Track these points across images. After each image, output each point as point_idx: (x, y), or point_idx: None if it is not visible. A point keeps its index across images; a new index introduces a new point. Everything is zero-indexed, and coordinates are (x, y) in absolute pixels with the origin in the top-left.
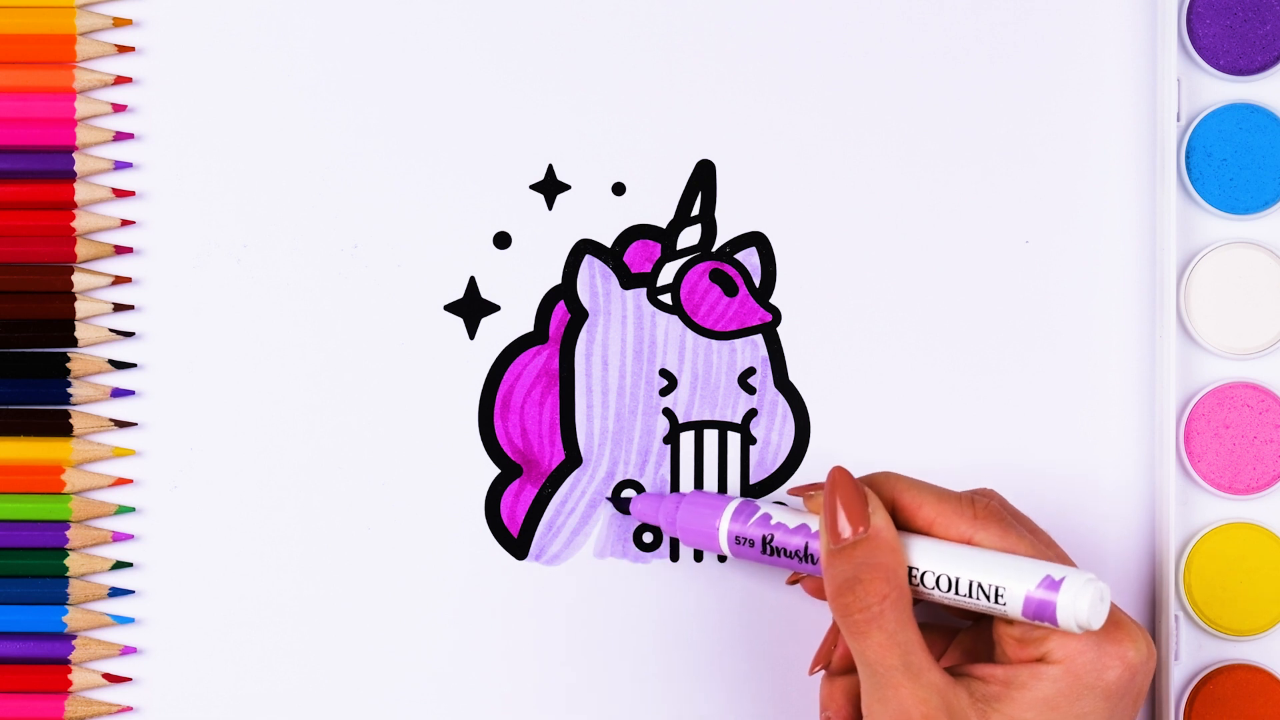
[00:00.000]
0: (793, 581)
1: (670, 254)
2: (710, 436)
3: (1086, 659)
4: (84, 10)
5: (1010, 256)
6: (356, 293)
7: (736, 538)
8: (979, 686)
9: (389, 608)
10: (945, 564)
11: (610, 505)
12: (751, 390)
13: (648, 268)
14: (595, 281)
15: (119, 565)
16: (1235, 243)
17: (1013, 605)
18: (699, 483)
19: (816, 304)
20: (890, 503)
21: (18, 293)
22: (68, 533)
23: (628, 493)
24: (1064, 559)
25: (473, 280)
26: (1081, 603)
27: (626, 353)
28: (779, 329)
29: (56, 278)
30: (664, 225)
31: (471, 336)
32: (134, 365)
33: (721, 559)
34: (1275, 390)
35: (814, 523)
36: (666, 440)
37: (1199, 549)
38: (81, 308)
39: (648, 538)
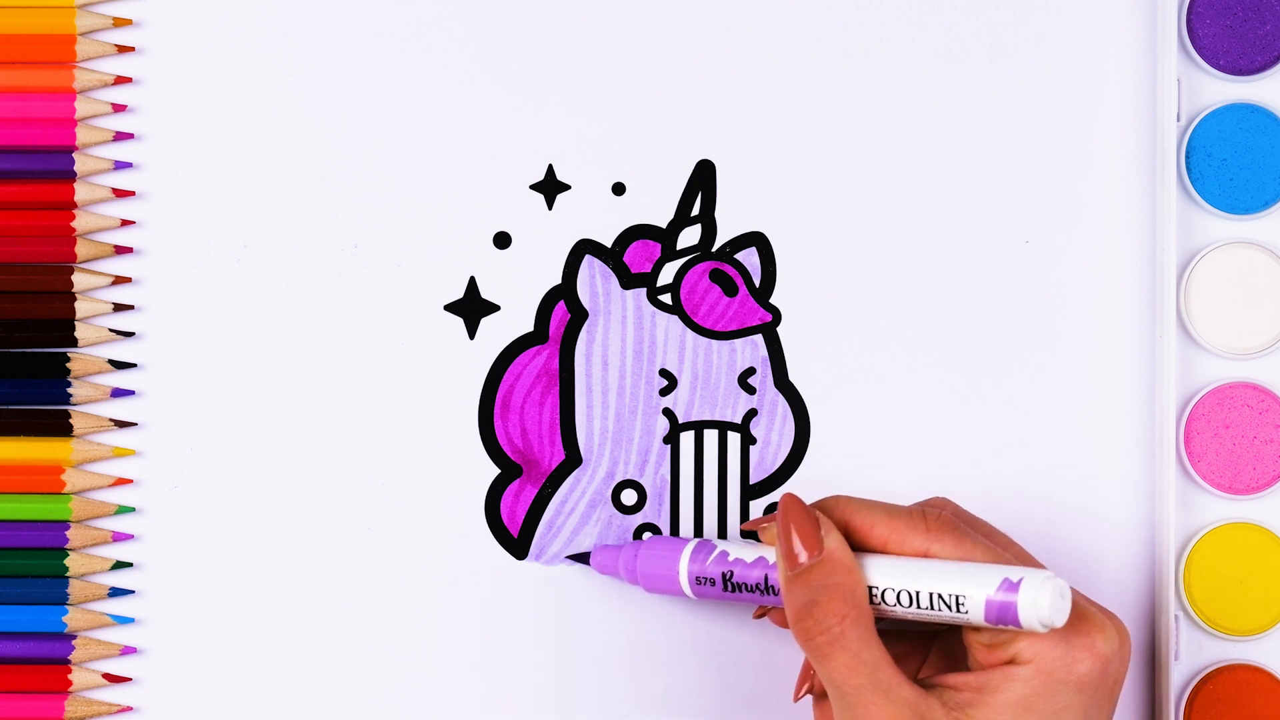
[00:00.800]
0: (759, 615)
1: (670, 254)
2: (710, 436)
3: (1055, 655)
4: (84, 10)
5: (1010, 256)
6: (356, 293)
7: (697, 578)
8: (951, 695)
9: (389, 608)
10: (903, 579)
11: (610, 505)
12: (751, 390)
13: (648, 268)
14: (595, 281)
15: (119, 565)
16: (1235, 243)
17: (974, 612)
18: (699, 482)
19: (816, 304)
20: (843, 525)
21: (18, 293)
22: (68, 533)
23: (627, 494)
24: (1025, 558)
25: (473, 280)
26: (1042, 601)
27: (626, 353)
28: (779, 329)
29: (56, 278)
30: (664, 225)
31: (471, 336)
32: (134, 365)
33: None
34: (1275, 390)
35: (771, 554)
36: (666, 440)
37: (1199, 549)
38: (81, 308)
39: (648, 538)
